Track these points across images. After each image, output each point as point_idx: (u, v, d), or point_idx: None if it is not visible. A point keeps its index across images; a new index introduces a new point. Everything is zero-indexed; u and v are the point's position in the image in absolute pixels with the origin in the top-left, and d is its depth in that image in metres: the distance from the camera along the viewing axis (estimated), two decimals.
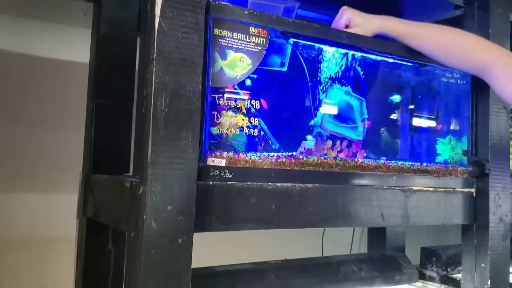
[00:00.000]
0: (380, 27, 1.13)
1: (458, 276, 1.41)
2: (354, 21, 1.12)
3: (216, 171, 0.87)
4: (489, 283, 1.23)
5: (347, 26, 1.12)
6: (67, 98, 1.51)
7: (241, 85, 0.96)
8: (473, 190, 1.27)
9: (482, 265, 1.25)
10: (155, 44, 0.78)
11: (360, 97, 1.15)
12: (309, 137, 1.05)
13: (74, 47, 1.54)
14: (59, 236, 1.43)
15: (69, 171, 1.30)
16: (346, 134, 1.11)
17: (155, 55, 0.78)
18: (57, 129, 1.50)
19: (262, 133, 1.01)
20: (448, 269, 1.51)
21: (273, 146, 1.05)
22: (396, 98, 1.27)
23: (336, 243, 1.72)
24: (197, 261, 0.91)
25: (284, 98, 1.04)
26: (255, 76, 0.97)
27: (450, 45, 1.14)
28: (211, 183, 0.86)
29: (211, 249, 1.33)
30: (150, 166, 0.76)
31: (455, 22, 1.40)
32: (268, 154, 0.98)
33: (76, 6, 1.54)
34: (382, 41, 1.13)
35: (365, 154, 1.12)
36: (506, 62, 1.06)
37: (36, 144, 1.47)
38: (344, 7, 1.13)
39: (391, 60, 1.19)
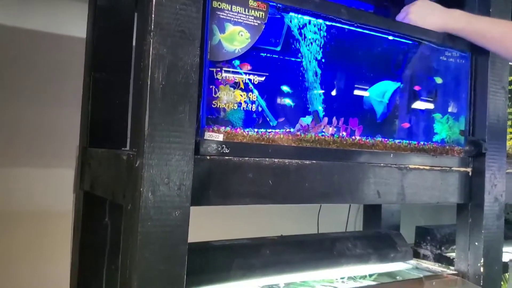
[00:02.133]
0: (439, 28, 1.21)
1: (452, 254, 1.43)
2: (410, 20, 1.19)
3: (213, 145, 0.87)
4: (482, 261, 1.25)
5: None
6: (65, 72, 1.50)
7: (240, 59, 0.95)
8: (469, 169, 1.27)
9: (476, 243, 1.26)
10: (153, 16, 0.77)
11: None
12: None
13: (71, 21, 1.53)
14: (57, 210, 1.43)
15: (66, 145, 1.30)
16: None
17: (152, 27, 0.77)
18: (55, 103, 1.50)
19: (260, 109, 1.01)
20: (442, 248, 1.52)
21: (271, 123, 1.05)
22: (394, 75, 1.26)
23: (331, 221, 1.73)
24: (195, 237, 0.92)
25: (282, 74, 1.03)
26: (253, 50, 0.96)
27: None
28: (208, 157, 0.86)
29: (209, 225, 1.34)
30: (147, 138, 0.75)
31: (456, 1, 1.39)
32: (266, 130, 0.98)
33: None
34: (382, 18, 1.12)
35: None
36: None
37: (33, 118, 1.47)
38: (410, 5, 1.21)
39: (391, 38, 1.18)
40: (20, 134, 1.45)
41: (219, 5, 0.89)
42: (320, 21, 1.04)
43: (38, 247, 1.45)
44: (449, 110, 1.31)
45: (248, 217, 1.60)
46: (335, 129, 1.07)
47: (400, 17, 1.25)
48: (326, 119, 1.06)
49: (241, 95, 0.96)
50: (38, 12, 1.50)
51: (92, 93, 1.10)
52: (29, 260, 1.43)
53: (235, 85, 0.95)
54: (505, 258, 1.39)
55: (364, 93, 1.17)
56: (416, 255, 1.54)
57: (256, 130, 0.96)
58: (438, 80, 1.31)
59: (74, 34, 1.52)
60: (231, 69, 0.94)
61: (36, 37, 1.49)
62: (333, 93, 1.13)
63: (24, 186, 1.45)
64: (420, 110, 1.30)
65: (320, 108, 1.10)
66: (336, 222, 1.76)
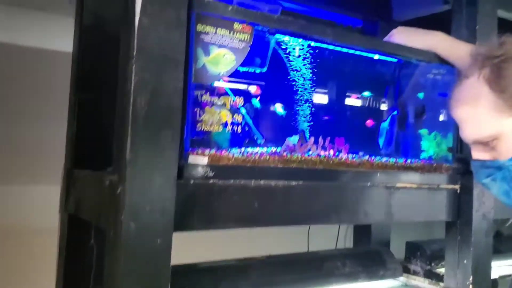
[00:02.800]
0: (432, 45, 1.21)
1: (442, 270, 1.42)
2: (404, 38, 1.20)
3: (197, 169, 0.86)
4: (471, 279, 1.24)
5: None
6: (51, 88, 1.49)
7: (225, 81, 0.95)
8: (457, 186, 1.27)
9: (465, 261, 1.26)
10: (135, 40, 0.77)
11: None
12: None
13: (59, 36, 1.51)
14: (44, 228, 1.41)
15: (53, 163, 1.29)
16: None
17: (135, 52, 0.76)
18: (41, 119, 1.48)
19: (246, 128, 1.01)
20: (432, 264, 1.52)
21: (258, 141, 1.05)
22: (380, 93, 1.27)
23: (322, 237, 1.72)
24: (180, 257, 0.91)
25: (268, 95, 1.03)
26: (239, 71, 0.96)
27: None
28: (192, 181, 0.85)
29: (195, 245, 1.32)
30: (128, 164, 0.75)
31: (444, 17, 1.40)
32: (252, 151, 0.97)
33: None
34: (366, 37, 1.13)
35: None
36: None
37: (20, 135, 1.45)
38: (392, 31, 1.22)
39: (376, 57, 1.18)
40: (6, 151, 1.43)
41: (204, 28, 0.89)
42: (306, 41, 1.04)
43: (24, 266, 1.43)
44: (437, 127, 1.31)
45: (237, 235, 1.59)
46: (321, 149, 1.07)
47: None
48: (312, 138, 1.06)
49: (227, 116, 0.95)
50: (24, 27, 1.49)
51: (77, 113, 1.09)
52: (14, 281, 1.41)
53: (221, 107, 0.94)
54: (496, 273, 1.39)
55: (351, 112, 1.17)
56: (407, 271, 1.53)
57: (241, 151, 0.96)
58: (424, 96, 1.31)
59: (62, 49, 1.51)
60: (216, 91, 0.93)
61: (22, 52, 1.48)
62: (320, 111, 1.14)
63: (11, 203, 1.43)
64: (408, 127, 1.30)
65: (306, 128, 1.10)
66: (326, 238, 1.75)
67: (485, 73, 0.93)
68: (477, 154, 0.98)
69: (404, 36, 1.23)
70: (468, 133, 0.97)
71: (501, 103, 0.91)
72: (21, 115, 1.46)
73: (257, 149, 1.02)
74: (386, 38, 1.26)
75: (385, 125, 1.29)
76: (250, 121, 1.03)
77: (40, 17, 1.52)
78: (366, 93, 1.25)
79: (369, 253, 1.40)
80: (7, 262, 1.41)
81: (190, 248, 1.23)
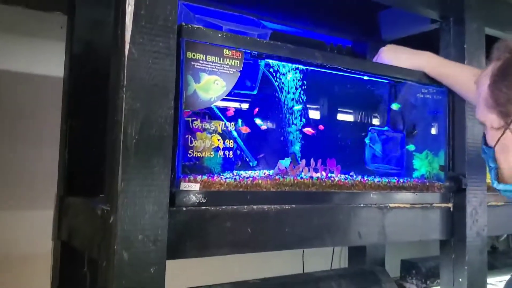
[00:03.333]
0: (419, 64, 1.24)
1: None
2: (392, 56, 1.23)
3: (189, 196, 0.86)
4: None
5: None
6: (43, 113, 1.49)
7: (216, 106, 0.95)
8: (450, 205, 1.28)
9: (460, 279, 1.26)
10: (125, 71, 0.77)
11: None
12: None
13: (51, 61, 1.52)
14: (37, 254, 1.40)
15: (46, 188, 1.28)
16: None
17: (125, 82, 0.77)
18: (34, 145, 1.48)
19: (238, 152, 1.01)
20: (428, 282, 1.52)
21: (251, 164, 1.05)
22: (372, 113, 1.28)
23: (317, 257, 1.72)
24: (174, 280, 0.90)
25: (260, 117, 1.04)
26: (230, 97, 0.97)
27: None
28: (184, 208, 0.85)
29: (189, 269, 1.32)
30: (120, 194, 0.74)
31: (432, 36, 1.42)
32: (244, 176, 0.97)
33: (53, 19, 1.51)
34: (356, 60, 1.14)
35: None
36: None
37: (11, 160, 1.44)
38: (380, 50, 1.26)
39: (366, 78, 1.19)
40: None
41: (194, 55, 0.90)
42: (295, 65, 1.06)
43: None
44: (428, 145, 1.32)
45: (231, 258, 1.57)
46: (313, 171, 1.07)
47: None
48: (304, 161, 1.06)
49: (218, 141, 0.96)
50: (16, 52, 1.49)
51: (68, 141, 1.09)
52: None
53: (212, 132, 0.95)
54: None
55: (343, 132, 1.18)
56: None
57: (234, 176, 0.96)
58: (415, 115, 1.32)
59: (54, 74, 1.51)
60: (207, 117, 0.94)
61: (13, 78, 1.48)
62: (311, 133, 1.14)
63: (3, 229, 1.42)
64: (400, 146, 1.31)
65: (297, 150, 1.10)
66: (321, 257, 1.75)
67: (496, 64, 0.95)
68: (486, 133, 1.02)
69: (392, 54, 1.25)
70: (476, 109, 1.02)
71: (490, 100, 0.94)
72: (11, 140, 1.45)
73: (249, 173, 1.02)
74: (375, 57, 1.27)
75: (375, 144, 1.29)
76: (242, 144, 1.04)
77: (33, 42, 1.52)
78: (358, 114, 1.25)
79: (364, 273, 1.40)
80: None
81: (185, 272, 1.22)
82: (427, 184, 1.25)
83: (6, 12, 1.45)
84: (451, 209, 1.27)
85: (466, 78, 1.19)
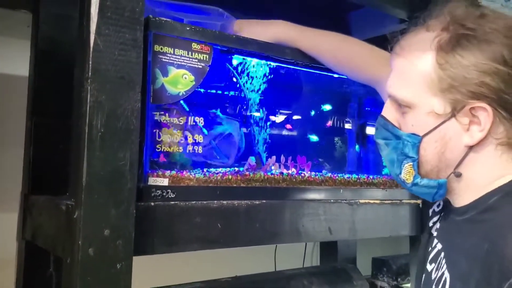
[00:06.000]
0: (275, 35, 1.07)
1: (408, 285, 1.44)
2: (247, 30, 1.06)
3: (158, 191, 0.85)
4: None
5: None
6: (7, 113, 1.46)
7: (184, 101, 0.94)
8: (419, 201, 1.29)
9: None
10: (90, 62, 0.75)
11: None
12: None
13: (16, 60, 1.49)
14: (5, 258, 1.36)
15: (10, 189, 1.25)
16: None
17: (90, 73, 0.75)
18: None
19: (207, 150, 1.00)
20: (399, 279, 1.53)
21: (220, 161, 1.04)
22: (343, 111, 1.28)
23: (289, 256, 1.72)
24: (141, 282, 0.89)
25: (228, 114, 1.03)
26: (199, 91, 0.96)
27: (349, 60, 1.11)
28: (152, 203, 0.83)
29: (157, 268, 1.30)
30: (85, 189, 0.73)
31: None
32: (214, 171, 0.96)
33: (19, 17, 1.48)
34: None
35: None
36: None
37: None
38: (237, 21, 1.08)
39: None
40: None
41: (161, 49, 0.89)
42: (264, 61, 1.06)
43: None
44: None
45: (202, 255, 1.56)
46: (284, 167, 1.07)
47: None
48: (273, 157, 1.06)
49: (186, 137, 0.95)
50: None
51: (33, 138, 1.06)
52: None
53: (180, 127, 0.94)
54: None
55: (311, 131, 1.18)
56: (374, 287, 1.54)
57: (203, 171, 0.95)
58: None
59: (19, 73, 1.49)
60: (175, 112, 0.93)
61: None
62: (281, 131, 1.14)
63: None
64: (369, 142, 1.32)
65: (264, 147, 1.10)
66: (293, 256, 1.75)
67: (442, 37, 0.82)
68: (387, 111, 0.91)
69: (248, 28, 1.08)
70: (392, 84, 0.89)
71: (435, 79, 0.82)
72: None
73: (220, 169, 1.01)
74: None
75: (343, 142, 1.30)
76: (213, 142, 1.03)
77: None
78: (326, 110, 1.26)
79: (335, 271, 1.40)
80: None
81: (153, 271, 1.20)
82: None
83: None
84: (420, 205, 1.29)
85: (366, 52, 1.10)
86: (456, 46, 0.81)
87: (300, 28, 1.09)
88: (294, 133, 1.17)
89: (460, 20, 0.82)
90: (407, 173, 0.89)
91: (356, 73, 1.14)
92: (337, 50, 1.11)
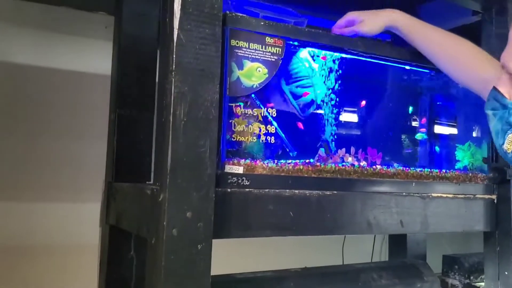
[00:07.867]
0: (390, 21, 1.10)
1: (482, 284, 1.40)
2: (360, 18, 1.09)
3: (233, 178, 0.89)
4: None
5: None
6: (90, 109, 1.56)
7: (258, 93, 0.97)
8: (494, 196, 1.25)
9: (506, 272, 1.23)
10: (174, 56, 0.80)
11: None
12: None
13: (96, 59, 1.59)
14: (82, 244, 1.46)
15: (92, 181, 1.34)
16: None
17: (174, 66, 0.80)
18: (81, 139, 1.55)
19: (279, 141, 1.03)
20: (471, 277, 1.49)
21: (291, 154, 1.07)
22: (414, 105, 1.27)
23: (356, 252, 1.72)
24: (217, 268, 0.93)
25: (300, 106, 1.06)
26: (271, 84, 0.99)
27: (458, 57, 1.10)
28: (229, 190, 0.87)
29: (232, 256, 1.34)
30: (170, 173, 0.78)
31: (473, 28, 1.40)
32: (286, 161, 0.99)
33: (98, 19, 1.59)
34: (397, 48, 1.14)
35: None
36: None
37: (60, 154, 1.51)
38: (348, 13, 1.12)
39: (407, 67, 1.19)
40: (47, 169, 1.50)
41: (237, 43, 0.93)
42: (337, 54, 1.07)
43: (65, 281, 1.47)
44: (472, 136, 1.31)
45: (272, 248, 1.60)
46: (354, 159, 1.08)
47: (338, 26, 1.14)
48: (343, 149, 1.07)
49: (259, 128, 0.98)
50: (63, 51, 1.57)
51: (117, 129, 1.14)
52: None
53: (254, 118, 0.97)
54: None
55: (383, 123, 1.18)
56: (444, 285, 1.51)
57: (275, 161, 0.98)
58: (456, 106, 1.31)
59: (99, 71, 1.58)
60: (249, 103, 0.96)
61: (61, 76, 1.55)
62: (352, 122, 1.15)
63: (51, 220, 1.49)
64: (441, 137, 1.30)
65: (332, 139, 1.11)
66: (361, 252, 1.75)
67: None
68: (501, 84, 0.91)
69: (361, 17, 1.11)
70: (506, 55, 0.92)
71: None
72: (62, 134, 1.52)
73: (291, 160, 1.03)
74: (347, 30, 1.12)
75: (419, 136, 1.29)
76: (282, 134, 1.05)
77: (79, 41, 1.59)
78: (400, 104, 1.25)
79: (405, 266, 1.38)
80: (49, 277, 1.46)
81: (225, 258, 1.25)
82: (470, 175, 1.24)
83: (54, 13, 1.53)
84: (495, 201, 1.25)
85: (475, 51, 1.09)
86: None
87: (412, 17, 1.12)
88: (366, 125, 1.18)
89: None
90: (510, 142, 0.89)
91: (460, 71, 1.12)
92: (447, 45, 1.11)
